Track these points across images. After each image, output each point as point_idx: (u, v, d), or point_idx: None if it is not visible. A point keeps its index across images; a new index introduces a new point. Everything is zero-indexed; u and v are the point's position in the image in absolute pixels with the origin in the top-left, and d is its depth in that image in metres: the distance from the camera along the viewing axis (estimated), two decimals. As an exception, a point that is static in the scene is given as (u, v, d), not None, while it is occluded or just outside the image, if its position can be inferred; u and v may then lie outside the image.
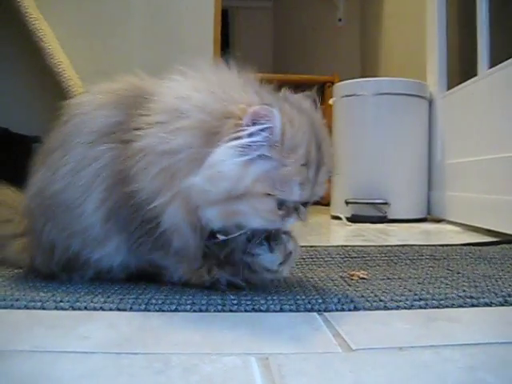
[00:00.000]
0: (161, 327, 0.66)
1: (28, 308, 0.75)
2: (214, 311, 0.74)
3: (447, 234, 1.78)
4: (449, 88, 2.20)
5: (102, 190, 0.83)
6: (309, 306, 0.75)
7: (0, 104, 2.26)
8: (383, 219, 2.17)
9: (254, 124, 0.70)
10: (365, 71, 3.58)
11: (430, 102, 2.28)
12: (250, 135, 0.70)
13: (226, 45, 4.32)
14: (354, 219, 2.19)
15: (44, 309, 0.74)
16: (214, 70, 0.83)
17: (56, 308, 0.75)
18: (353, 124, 2.29)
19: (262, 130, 0.70)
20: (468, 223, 1.88)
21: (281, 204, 0.74)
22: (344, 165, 2.34)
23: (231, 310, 0.74)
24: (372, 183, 2.22)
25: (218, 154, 0.70)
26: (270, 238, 0.82)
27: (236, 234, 0.79)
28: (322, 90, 3.30)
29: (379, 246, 1.33)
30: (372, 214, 2.20)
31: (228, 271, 0.85)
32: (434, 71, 2.26)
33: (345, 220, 2.18)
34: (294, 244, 0.86)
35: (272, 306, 0.75)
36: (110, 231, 0.84)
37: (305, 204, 0.78)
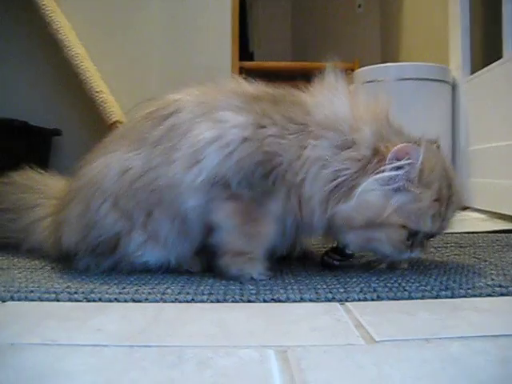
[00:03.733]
0: (176, 318, 0.64)
1: (42, 300, 0.73)
2: (232, 301, 0.72)
3: (472, 222, 1.73)
4: (472, 72, 2.13)
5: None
6: (330, 296, 0.72)
7: (18, 97, 2.26)
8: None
9: (397, 160, 0.77)
10: (385, 57, 3.50)
11: (453, 87, 2.21)
12: (394, 169, 0.77)
13: (243, 33, 4.28)
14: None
15: (58, 300, 0.73)
16: (373, 98, 0.90)
17: (70, 300, 0.73)
18: (374, 110, 2.24)
19: (404, 165, 0.77)
20: (494, 210, 1.82)
21: (411, 235, 0.80)
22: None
23: (249, 301, 0.72)
24: (394, 170, 2.17)
25: (366, 184, 0.77)
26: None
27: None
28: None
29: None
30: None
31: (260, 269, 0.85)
32: (457, 55, 2.19)
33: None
34: None
35: (292, 296, 0.72)
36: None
37: (430, 237, 0.85)
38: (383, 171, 0.77)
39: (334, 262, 0.89)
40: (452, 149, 2.22)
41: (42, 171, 1.07)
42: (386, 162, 0.77)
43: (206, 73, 2.25)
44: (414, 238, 0.81)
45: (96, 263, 0.87)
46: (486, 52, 2.19)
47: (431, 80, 2.13)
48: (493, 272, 0.85)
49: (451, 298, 0.72)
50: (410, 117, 2.13)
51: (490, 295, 0.72)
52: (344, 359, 0.49)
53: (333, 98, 0.85)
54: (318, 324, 0.60)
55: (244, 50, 4.16)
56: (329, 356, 0.50)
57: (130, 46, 2.30)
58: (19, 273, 0.89)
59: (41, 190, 1.02)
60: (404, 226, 0.79)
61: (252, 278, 0.82)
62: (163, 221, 0.84)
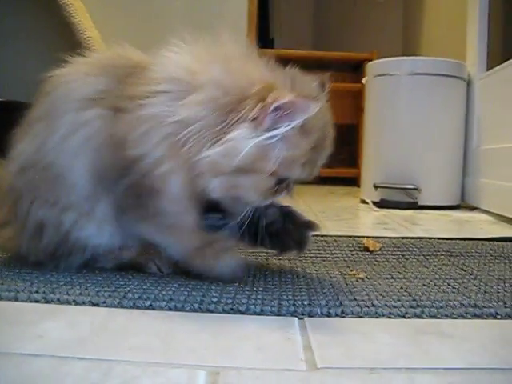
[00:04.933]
0: (123, 327, 0.62)
1: (1, 298, 0.72)
2: (190, 310, 0.69)
3: (477, 225, 1.68)
4: (488, 68, 2.06)
5: (90, 153, 0.80)
6: (292, 309, 0.69)
7: (29, 80, 2.26)
8: (413, 205, 2.07)
9: (283, 111, 0.69)
10: (406, 50, 3.42)
11: (468, 84, 2.14)
12: (279, 119, 0.70)
13: (264, 19, 4.22)
14: (382, 204, 2.10)
15: (17, 300, 0.71)
16: (218, 43, 0.80)
17: (29, 299, 0.72)
18: (385, 105, 2.18)
19: (292, 119, 0.70)
20: (503, 213, 1.76)
21: (278, 182, 0.75)
22: (374, 147, 2.25)
23: (208, 310, 0.69)
24: (403, 167, 2.11)
25: (239, 133, 0.70)
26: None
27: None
28: (361, 69, 3.18)
29: (394, 238, 1.25)
30: (402, 199, 2.09)
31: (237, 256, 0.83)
32: (474, 50, 2.11)
33: (371, 205, 2.09)
34: None
35: (252, 307, 0.70)
36: (98, 194, 0.81)
37: (297, 182, 0.80)
38: (263, 121, 0.70)
39: (216, 222, 0.83)
40: (464, 147, 2.15)
41: None
42: (269, 111, 0.69)
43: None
44: (281, 183, 0.76)
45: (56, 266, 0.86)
46: (503, 49, 2.11)
47: (446, 76, 2.06)
48: (473, 288, 0.81)
49: (420, 317, 0.68)
50: (422, 113, 2.08)
51: (462, 316, 0.69)
52: (273, 389, 0.46)
53: (174, 55, 0.79)
54: (266, 342, 0.57)
55: (264, 37, 4.11)
56: (259, 383, 0.47)
57: (146, 33, 2.28)
58: (-10, 267, 0.88)
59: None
60: (272, 173, 0.73)
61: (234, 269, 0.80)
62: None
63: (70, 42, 2.21)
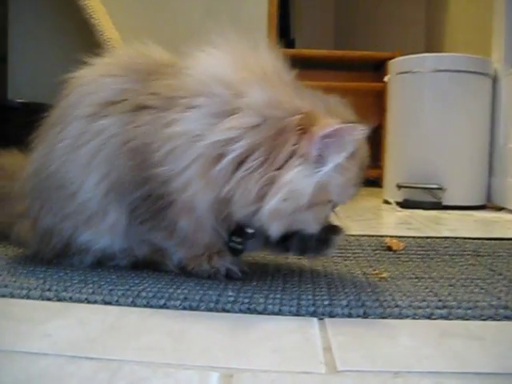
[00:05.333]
0: (134, 326, 0.60)
1: (13, 296, 0.70)
2: (205, 309, 0.67)
3: (504, 225, 1.62)
4: (516, 65, 2.00)
5: (103, 164, 0.78)
6: (311, 309, 0.66)
7: (49, 82, 2.27)
8: (437, 205, 2.02)
9: (331, 139, 0.68)
10: (429, 48, 3.35)
11: (494, 80, 2.08)
12: (330, 152, 0.68)
13: (285, 19, 4.18)
14: (405, 205, 2.05)
15: (28, 298, 0.70)
16: (254, 53, 0.77)
17: (41, 297, 0.70)
18: (408, 103, 2.13)
19: (343, 147, 0.68)
20: (531, 214, 1.71)
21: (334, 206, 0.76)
22: (397, 146, 2.20)
23: (224, 310, 0.67)
24: (427, 166, 2.06)
25: (295, 172, 0.68)
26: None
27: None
28: (383, 68, 3.13)
29: (418, 238, 1.21)
30: (425, 199, 2.04)
31: (228, 260, 0.79)
32: (500, 45, 2.05)
33: (395, 205, 2.04)
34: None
35: (270, 307, 0.67)
36: (109, 205, 0.79)
37: None
38: (312, 153, 0.68)
39: (238, 246, 0.79)
40: (490, 146, 2.09)
41: None
42: (316, 141, 0.67)
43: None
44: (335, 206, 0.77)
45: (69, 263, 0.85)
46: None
47: (470, 72, 2.00)
48: (503, 289, 0.77)
49: (446, 318, 0.64)
50: (446, 111, 2.03)
51: (491, 317, 0.65)
52: (289, 393, 0.43)
53: (210, 59, 0.75)
54: (283, 344, 0.54)
55: (285, 37, 4.08)
56: (274, 387, 0.44)
57: (165, 34, 2.27)
58: (6, 263, 0.87)
59: None
60: (330, 201, 0.73)
61: (228, 273, 0.79)
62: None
63: (90, 43, 2.21)
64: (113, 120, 0.78)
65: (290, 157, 0.68)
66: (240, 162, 0.70)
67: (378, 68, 3.39)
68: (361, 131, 0.68)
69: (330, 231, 0.82)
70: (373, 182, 3.18)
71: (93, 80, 0.82)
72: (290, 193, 0.67)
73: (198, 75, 0.74)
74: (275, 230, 0.72)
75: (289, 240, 0.80)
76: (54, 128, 0.82)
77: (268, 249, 0.86)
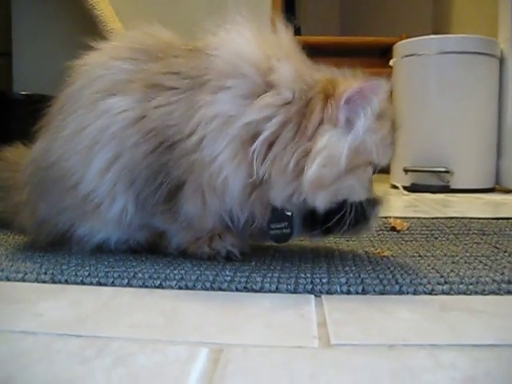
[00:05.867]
0: (127, 305, 0.59)
1: (9, 279, 0.70)
2: (201, 288, 0.66)
3: (513, 207, 1.60)
4: (523, 44, 1.96)
5: (111, 145, 0.75)
6: (309, 287, 0.65)
7: (53, 73, 2.26)
8: (445, 189, 1.99)
9: (356, 100, 0.67)
10: (436, 31, 3.30)
11: (501, 61, 2.04)
12: (357, 113, 0.68)
13: (290, 9, 4.15)
14: (413, 188, 2.03)
15: (24, 281, 0.69)
16: (272, 32, 0.76)
17: (36, 280, 0.69)
18: (414, 86, 2.10)
19: (367, 105, 0.68)
20: (540, 195, 1.68)
21: (374, 170, 0.74)
22: (404, 130, 2.16)
23: (220, 289, 0.65)
24: (434, 150, 2.03)
25: (327, 138, 0.67)
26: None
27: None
28: (390, 53, 3.09)
29: (423, 219, 1.19)
30: (433, 183, 2.02)
31: (229, 242, 0.78)
32: (506, 26, 2.01)
33: (401, 189, 2.02)
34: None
35: (267, 285, 0.65)
36: (117, 194, 0.77)
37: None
38: (339, 116, 0.67)
39: (283, 230, 0.76)
40: (498, 128, 2.06)
41: None
42: (342, 104, 0.67)
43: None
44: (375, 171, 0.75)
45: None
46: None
47: (476, 53, 1.97)
48: (507, 265, 0.75)
49: (448, 294, 0.63)
50: (453, 93, 2.00)
51: (494, 292, 0.63)
52: (279, 366, 0.42)
53: (236, 37, 0.73)
54: (277, 320, 0.53)
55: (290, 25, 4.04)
56: (264, 360, 0.43)
57: (169, 23, 2.25)
58: (5, 249, 0.86)
59: None
60: (370, 162, 0.72)
61: (228, 255, 0.77)
62: None
63: (93, 34, 2.20)
64: (122, 97, 0.75)
65: (320, 124, 0.68)
66: (273, 141, 0.69)
67: (384, 53, 3.34)
68: (383, 88, 0.68)
69: (370, 204, 0.78)
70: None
71: (101, 63, 0.79)
72: (326, 158, 0.66)
73: (224, 55, 0.71)
74: (321, 201, 0.70)
75: (329, 220, 0.76)
76: (58, 116, 0.80)
77: (306, 232, 0.82)
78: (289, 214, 0.75)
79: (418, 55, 2.04)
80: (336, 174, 0.68)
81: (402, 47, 2.15)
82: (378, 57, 3.44)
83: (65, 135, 0.77)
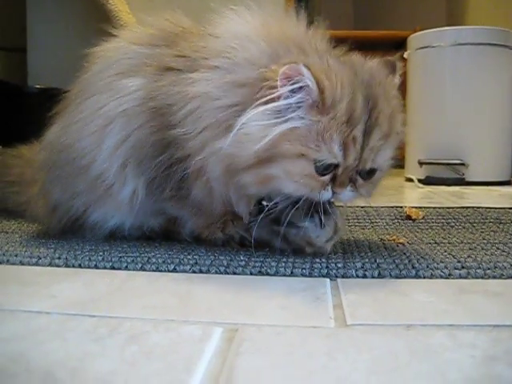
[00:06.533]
0: (140, 288, 0.58)
1: (23, 264, 0.70)
2: (215, 273, 0.65)
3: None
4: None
5: (121, 124, 0.75)
6: (324, 271, 0.64)
7: (66, 67, 2.27)
8: (460, 181, 1.96)
9: (288, 85, 0.62)
10: (451, 23, 3.26)
11: (517, 52, 2.01)
12: (284, 97, 0.62)
13: (304, 3, 4.12)
14: (427, 181, 2.00)
15: (38, 265, 0.69)
16: (279, 17, 0.75)
17: (50, 264, 0.69)
18: (428, 78, 2.07)
19: (294, 90, 0.62)
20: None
21: (325, 169, 0.64)
22: (418, 122, 2.14)
23: (235, 273, 0.65)
24: (449, 142, 2.00)
25: (245, 117, 0.63)
26: (319, 211, 0.70)
27: (275, 201, 0.69)
28: (405, 46, 3.06)
29: (438, 208, 1.17)
30: (448, 175, 1.99)
31: (243, 227, 0.76)
32: (524, 15, 1.99)
33: (416, 182, 2.00)
34: (342, 220, 0.77)
35: (282, 270, 0.65)
36: (127, 176, 0.77)
37: (362, 174, 0.67)
38: (270, 101, 0.62)
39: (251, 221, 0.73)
40: (513, 119, 2.03)
41: None
42: (279, 87, 0.61)
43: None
44: (333, 172, 0.65)
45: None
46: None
47: (491, 45, 1.93)
48: (526, 251, 0.73)
49: (465, 278, 0.62)
50: (468, 84, 1.97)
51: (511, 277, 0.62)
52: (294, 344, 0.41)
53: (238, 21, 0.72)
54: (292, 301, 0.53)
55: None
56: (279, 339, 0.42)
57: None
58: (20, 236, 0.87)
59: None
60: (303, 155, 0.62)
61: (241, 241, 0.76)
62: None
63: (106, 29, 2.20)
64: (137, 79, 0.76)
65: (253, 104, 0.64)
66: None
67: (399, 47, 3.31)
68: (301, 69, 0.61)
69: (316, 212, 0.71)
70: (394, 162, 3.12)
71: (119, 48, 0.79)
72: (240, 136, 0.63)
73: (223, 36, 0.72)
74: (247, 183, 0.67)
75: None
76: (75, 100, 0.80)
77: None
78: (264, 203, 0.71)
79: (433, 47, 2.01)
80: (252, 156, 0.64)
81: (416, 39, 2.13)
82: (392, 50, 3.42)
83: (81, 118, 0.78)
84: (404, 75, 2.14)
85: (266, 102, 0.63)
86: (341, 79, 0.63)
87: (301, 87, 0.62)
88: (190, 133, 0.69)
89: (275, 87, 0.62)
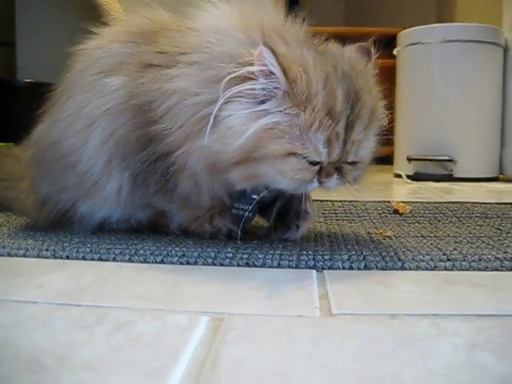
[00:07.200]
0: (127, 279, 0.59)
1: (10, 255, 0.70)
2: (203, 264, 0.65)
3: (517, 194, 1.59)
4: (527, 33, 1.94)
5: (106, 122, 0.76)
6: (311, 263, 0.65)
7: (55, 61, 2.26)
8: (449, 178, 1.98)
9: (259, 65, 0.61)
10: (440, 21, 3.28)
11: (505, 50, 2.02)
12: (258, 78, 0.62)
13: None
14: (416, 177, 2.02)
15: (26, 256, 0.69)
16: (257, 9, 0.73)
17: (38, 256, 0.69)
18: (417, 74, 2.08)
19: (267, 73, 0.61)
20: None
21: (313, 163, 0.64)
22: (407, 118, 2.16)
23: (222, 264, 0.65)
24: (437, 138, 2.02)
25: (227, 108, 0.63)
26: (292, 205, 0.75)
27: (262, 194, 0.70)
28: (394, 44, 3.07)
29: (426, 203, 1.18)
30: (436, 172, 2.01)
31: (229, 220, 0.77)
32: (511, 14, 2.00)
33: (405, 178, 2.01)
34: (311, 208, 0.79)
35: (269, 261, 0.65)
36: (112, 171, 0.77)
37: (346, 163, 0.67)
38: (246, 88, 0.62)
39: (246, 213, 0.73)
40: (501, 116, 2.04)
41: None
42: (255, 66, 0.61)
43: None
44: (319, 165, 0.65)
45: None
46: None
47: (480, 42, 1.95)
48: (510, 244, 0.74)
49: (451, 270, 0.62)
50: (456, 81, 1.98)
51: (496, 269, 0.63)
52: (280, 333, 0.42)
53: (216, 15, 0.72)
54: (278, 292, 0.53)
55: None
56: (265, 328, 0.43)
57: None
58: (8, 229, 0.86)
59: None
60: (293, 153, 0.62)
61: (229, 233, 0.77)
62: None
63: (95, 23, 2.19)
64: (119, 77, 0.76)
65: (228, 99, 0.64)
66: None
67: (388, 44, 3.33)
68: (266, 52, 0.60)
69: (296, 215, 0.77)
70: (383, 159, 3.14)
71: (101, 46, 0.80)
72: (221, 131, 0.63)
73: (201, 31, 0.72)
74: (235, 179, 0.67)
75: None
76: (61, 98, 0.81)
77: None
78: (254, 197, 0.72)
79: (422, 44, 2.02)
80: (237, 153, 0.63)
81: (405, 36, 2.14)
82: (382, 47, 3.42)
83: (66, 116, 0.79)
84: (393, 71, 2.14)
85: (243, 79, 0.62)
86: (318, 72, 0.63)
87: (271, 72, 0.61)
88: (170, 128, 0.69)
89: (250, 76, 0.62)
